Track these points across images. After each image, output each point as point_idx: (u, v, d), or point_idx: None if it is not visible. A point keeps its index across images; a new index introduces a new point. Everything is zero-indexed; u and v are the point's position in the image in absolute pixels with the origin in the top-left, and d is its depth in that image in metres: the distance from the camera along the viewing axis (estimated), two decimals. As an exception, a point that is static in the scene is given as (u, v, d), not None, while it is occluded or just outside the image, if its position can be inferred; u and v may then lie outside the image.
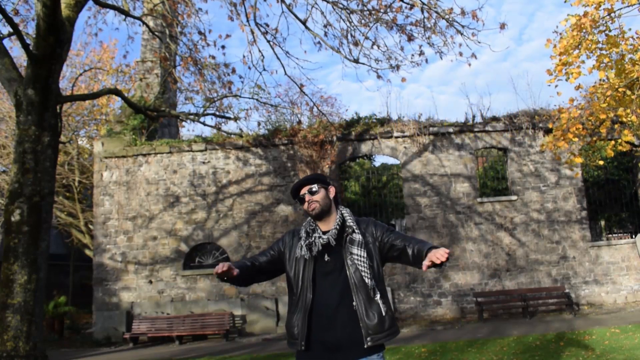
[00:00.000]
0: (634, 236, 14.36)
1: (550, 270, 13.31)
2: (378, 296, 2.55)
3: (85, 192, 17.81)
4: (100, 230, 13.99)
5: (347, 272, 2.58)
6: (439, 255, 2.25)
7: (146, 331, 12.83)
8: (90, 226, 15.92)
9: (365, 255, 2.58)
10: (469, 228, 13.56)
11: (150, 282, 13.66)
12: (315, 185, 2.72)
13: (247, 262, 2.71)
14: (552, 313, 12.53)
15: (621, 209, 15.62)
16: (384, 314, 2.53)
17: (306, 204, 2.70)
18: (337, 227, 2.65)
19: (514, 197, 13.64)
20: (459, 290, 13.29)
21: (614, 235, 17.98)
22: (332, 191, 2.77)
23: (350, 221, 2.67)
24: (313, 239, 2.65)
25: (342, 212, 2.72)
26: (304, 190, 2.72)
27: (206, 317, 12.97)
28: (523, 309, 12.32)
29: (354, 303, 2.53)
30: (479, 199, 13.69)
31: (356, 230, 2.64)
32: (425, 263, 2.30)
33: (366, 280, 2.54)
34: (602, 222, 17.93)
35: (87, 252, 17.00)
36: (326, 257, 2.62)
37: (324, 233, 2.66)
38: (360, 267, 2.56)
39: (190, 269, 13.76)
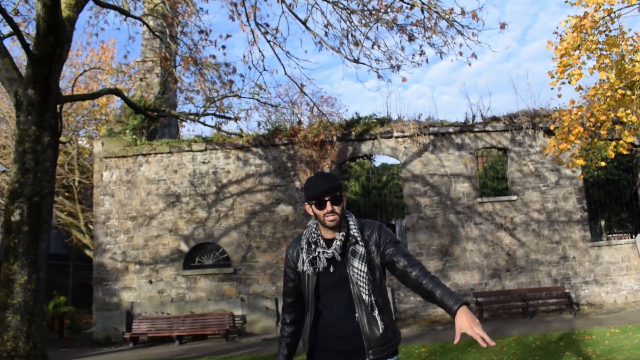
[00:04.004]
0: (634, 236, 14.36)
1: (550, 270, 13.31)
2: (376, 312, 2.47)
3: (85, 192, 17.81)
4: (100, 230, 13.99)
5: (350, 284, 2.49)
6: (477, 333, 2.16)
7: (146, 331, 12.82)
8: (91, 226, 15.92)
9: (366, 269, 2.46)
10: (469, 228, 13.56)
11: (151, 282, 13.66)
12: (339, 193, 2.49)
13: (289, 339, 2.65)
14: (552, 313, 12.54)
15: (621, 209, 15.62)
16: (382, 330, 2.47)
17: (325, 212, 2.47)
18: (342, 238, 2.51)
19: (514, 197, 13.64)
20: (459, 290, 13.29)
21: (614, 235, 17.98)
22: (344, 199, 2.57)
23: (354, 230, 2.52)
24: (317, 253, 2.51)
25: (348, 220, 2.56)
26: (328, 197, 2.47)
27: (206, 317, 12.97)
28: (523, 309, 12.32)
29: (356, 315, 2.46)
30: (479, 199, 13.69)
31: (359, 242, 2.50)
32: (457, 337, 2.20)
33: (364, 297, 2.45)
34: (602, 222, 17.93)
35: (87, 252, 17.00)
36: (331, 269, 2.50)
37: (328, 242, 2.53)
38: (359, 282, 2.46)
39: (190, 269, 13.76)
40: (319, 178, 2.55)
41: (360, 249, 2.49)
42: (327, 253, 2.49)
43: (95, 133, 18.25)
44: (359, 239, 2.51)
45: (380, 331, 2.45)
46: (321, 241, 2.54)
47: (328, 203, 2.47)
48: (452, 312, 2.26)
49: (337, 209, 2.48)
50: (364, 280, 2.46)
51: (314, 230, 2.59)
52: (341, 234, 2.51)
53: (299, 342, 2.63)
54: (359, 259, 2.48)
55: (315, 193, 2.48)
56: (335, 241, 2.51)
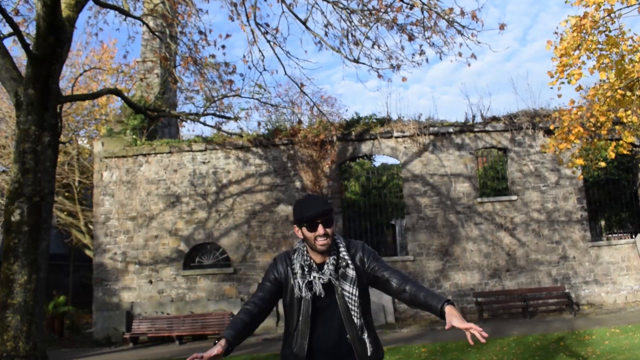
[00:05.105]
0: (634, 236, 14.35)
1: (550, 270, 13.30)
2: (365, 335, 2.49)
3: (85, 192, 17.81)
4: (100, 230, 13.99)
5: (339, 306, 2.49)
6: (476, 330, 2.12)
7: (146, 331, 12.83)
8: (90, 226, 15.92)
9: (357, 293, 2.46)
10: (469, 228, 13.56)
11: (151, 282, 13.66)
12: (330, 216, 2.43)
13: (245, 318, 2.45)
14: (552, 313, 12.53)
15: (621, 209, 15.62)
16: (371, 351, 2.49)
17: (316, 234, 2.42)
18: (334, 263, 2.48)
19: (514, 197, 13.64)
20: (459, 290, 13.29)
21: (614, 235, 17.97)
22: (335, 222, 2.54)
23: (344, 253, 2.49)
24: (312, 278, 2.47)
25: (338, 243, 2.53)
26: (320, 219, 2.40)
27: (206, 317, 12.97)
28: (523, 309, 12.32)
29: (348, 336, 2.48)
30: (479, 199, 13.68)
31: (350, 265, 2.48)
32: (458, 325, 2.16)
33: (355, 320, 2.47)
34: (602, 222, 17.92)
35: (87, 252, 17.00)
36: (322, 293, 2.48)
37: (318, 266, 2.50)
38: (350, 306, 2.46)
39: (190, 269, 13.76)
40: (311, 200, 2.48)
41: (351, 273, 2.47)
42: (323, 279, 2.46)
43: (95, 133, 18.26)
44: (349, 262, 2.48)
45: (369, 353, 2.49)
46: (315, 266, 2.50)
47: (320, 226, 2.41)
48: (437, 310, 2.29)
49: (329, 231, 2.43)
50: (355, 304, 2.46)
51: (305, 254, 2.52)
52: (332, 257, 2.48)
53: (248, 332, 2.48)
54: (350, 283, 2.47)
55: (307, 216, 2.42)
56: (327, 265, 2.48)
